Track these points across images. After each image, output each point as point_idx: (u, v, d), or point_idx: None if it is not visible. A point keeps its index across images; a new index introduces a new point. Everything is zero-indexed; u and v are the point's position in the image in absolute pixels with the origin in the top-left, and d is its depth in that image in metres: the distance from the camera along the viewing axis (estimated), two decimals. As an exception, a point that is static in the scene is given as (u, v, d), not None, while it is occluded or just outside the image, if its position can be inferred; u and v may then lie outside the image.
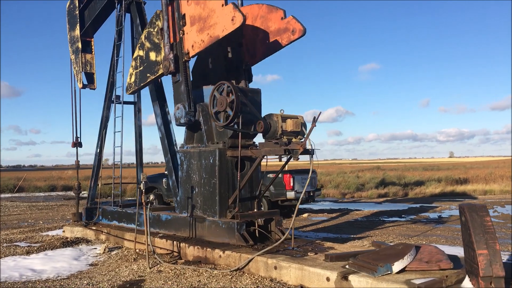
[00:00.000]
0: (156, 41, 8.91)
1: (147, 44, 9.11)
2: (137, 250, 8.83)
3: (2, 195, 30.15)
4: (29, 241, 10.35)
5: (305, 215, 16.74)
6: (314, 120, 7.10)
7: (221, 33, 7.41)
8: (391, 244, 7.82)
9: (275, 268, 6.52)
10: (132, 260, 8.14)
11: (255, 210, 8.42)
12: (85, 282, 6.87)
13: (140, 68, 9.28)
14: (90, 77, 11.87)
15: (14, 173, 53.63)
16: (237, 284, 6.40)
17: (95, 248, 9.34)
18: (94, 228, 10.39)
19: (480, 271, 4.62)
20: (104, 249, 8.98)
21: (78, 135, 11.50)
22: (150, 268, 7.43)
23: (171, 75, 8.69)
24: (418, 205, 20.30)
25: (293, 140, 7.56)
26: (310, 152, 7.35)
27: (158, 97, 9.84)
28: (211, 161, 8.15)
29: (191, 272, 7.07)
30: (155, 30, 8.94)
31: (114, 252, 8.93)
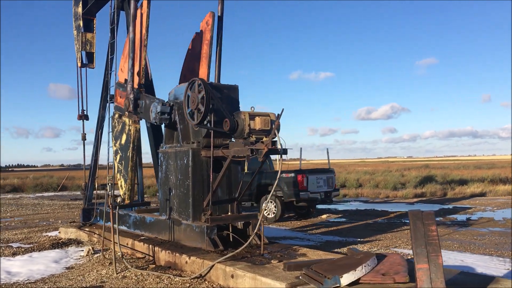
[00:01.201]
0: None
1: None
2: (119, 254, 8.64)
3: (45, 194, 31.26)
4: (24, 242, 10.42)
5: (324, 216, 16.09)
6: (278, 117, 6.60)
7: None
8: (375, 251, 7.18)
9: (232, 276, 6.09)
10: (108, 264, 7.94)
11: (234, 213, 8.00)
12: (46, 287, 6.71)
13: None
14: (90, 56, 11.82)
15: (64, 172, 55.67)
16: (192, 293, 6.03)
17: (82, 250, 9.23)
18: (87, 229, 10.32)
19: (418, 287, 4.01)
20: (88, 252, 8.85)
21: (84, 108, 11.53)
22: (117, 273, 7.19)
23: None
24: (451, 206, 19.10)
25: (264, 139, 7.08)
26: (279, 152, 6.84)
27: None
28: (185, 161, 7.81)
29: (153, 279, 6.76)
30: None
31: (97, 255, 8.77)
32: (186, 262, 7.00)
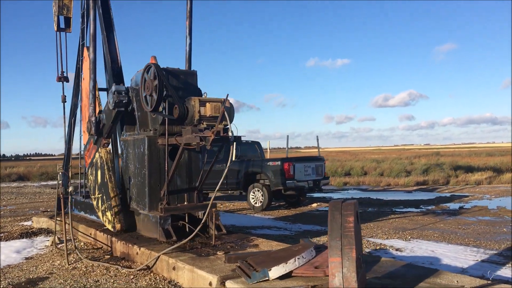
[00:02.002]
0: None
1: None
2: (81, 244, 8.52)
3: (50, 182, 31.45)
4: (-3, 232, 10.36)
5: (315, 205, 15.81)
6: (223, 102, 6.33)
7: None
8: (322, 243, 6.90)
9: (174, 268, 5.88)
10: (66, 254, 7.79)
11: (195, 202, 7.77)
12: (20, 274, 6.61)
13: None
14: (67, 21, 11.61)
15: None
16: (132, 285, 5.83)
17: (48, 240, 9.12)
18: (59, 219, 10.17)
19: (329, 283, 3.74)
20: (52, 242, 8.73)
21: (64, 70, 11.39)
22: (69, 264, 7.05)
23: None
24: (448, 194, 18.66)
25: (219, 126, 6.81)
26: (230, 139, 6.58)
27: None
28: (142, 149, 7.59)
29: (101, 270, 6.58)
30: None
31: (61, 245, 8.65)
32: (137, 253, 6.81)
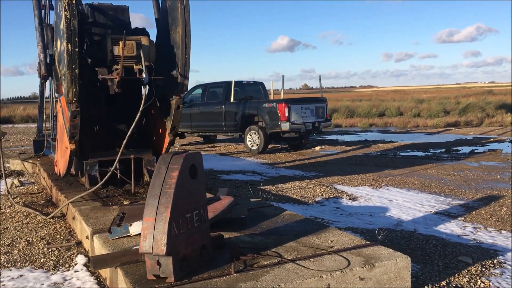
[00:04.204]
0: None
1: None
2: (35, 188, 8.50)
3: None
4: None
5: (318, 148, 15.19)
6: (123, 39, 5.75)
7: None
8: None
9: (73, 218, 5.63)
10: (13, 197, 7.77)
11: (135, 148, 7.40)
12: None
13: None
14: None
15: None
16: (33, 233, 5.65)
17: (12, 183, 9.17)
18: (31, 161, 10.24)
19: (140, 246, 3.29)
20: (12, 184, 8.76)
21: None
22: (1, 210, 7.00)
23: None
24: (471, 137, 17.38)
25: (135, 67, 6.29)
26: (144, 81, 6.03)
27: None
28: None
29: (20, 216, 6.47)
30: None
31: (21, 187, 8.67)
32: (59, 199, 6.63)
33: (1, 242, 5.39)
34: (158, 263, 3.29)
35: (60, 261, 4.75)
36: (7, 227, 5.97)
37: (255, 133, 14.00)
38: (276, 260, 3.56)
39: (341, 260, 3.51)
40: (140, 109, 6.21)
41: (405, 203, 7.22)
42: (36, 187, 8.62)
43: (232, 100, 14.70)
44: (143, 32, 6.81)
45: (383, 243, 4.67)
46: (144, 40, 6.31)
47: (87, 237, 4.82)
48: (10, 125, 32.38)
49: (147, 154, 7.16)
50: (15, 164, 10.66)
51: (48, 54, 7.48)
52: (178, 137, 17.14)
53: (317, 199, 7.49)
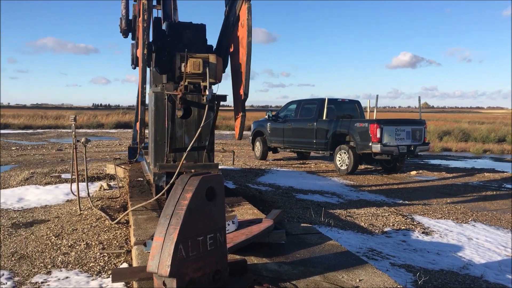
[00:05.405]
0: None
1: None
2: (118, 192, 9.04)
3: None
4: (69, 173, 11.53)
5: (414, 172, 14.30)
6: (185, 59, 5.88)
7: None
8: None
9: (130, 226, 5.87)
10: (96, 200, 8.35)
11: (203, 161, 7.56)
12: (19, 215, 7.39)
13: None
14: None
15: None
16: (95, 237, 5.99)
17: (101, 186, 9.86)
18: (123, 167, 10.93)
19: (148, 264, 3.30)
20: (100, 187, 9.42)
21: None
22: (80, 211, 7.53)
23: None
24: None
25: (202, 84, 6.44)
26: (207, 98, 6.13)
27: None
28: (151, 105, 7.59)
29: (92, 219, 6.90)
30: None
31: (108, 190, 9.29)
32: (128, 206, 6.97)
33: (66, 242, 5.79)
34: (164, 284, 3.28)
35: (106, 267, 4.96)
36: (77, 229, 6.41)
37: (345, 153, 13.59)
38: (285, 295, 3.37)
39: (354, 304, 3.21)
40: (201, 125, 6.34)
41: (485, 243, 6.48)
42: (119, 192, 9.17)
43: (324, 118, 14.44)
44: (212, 50, 6.96)
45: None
46: (211, 58, 6.45)
47: (131, 246, 4.99)
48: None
49: (214, 169, 7.26)
50: (110, 168, 11.47)
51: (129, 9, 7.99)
52: (271, 152, 17.29)
53: (386, 229, 7.01)
